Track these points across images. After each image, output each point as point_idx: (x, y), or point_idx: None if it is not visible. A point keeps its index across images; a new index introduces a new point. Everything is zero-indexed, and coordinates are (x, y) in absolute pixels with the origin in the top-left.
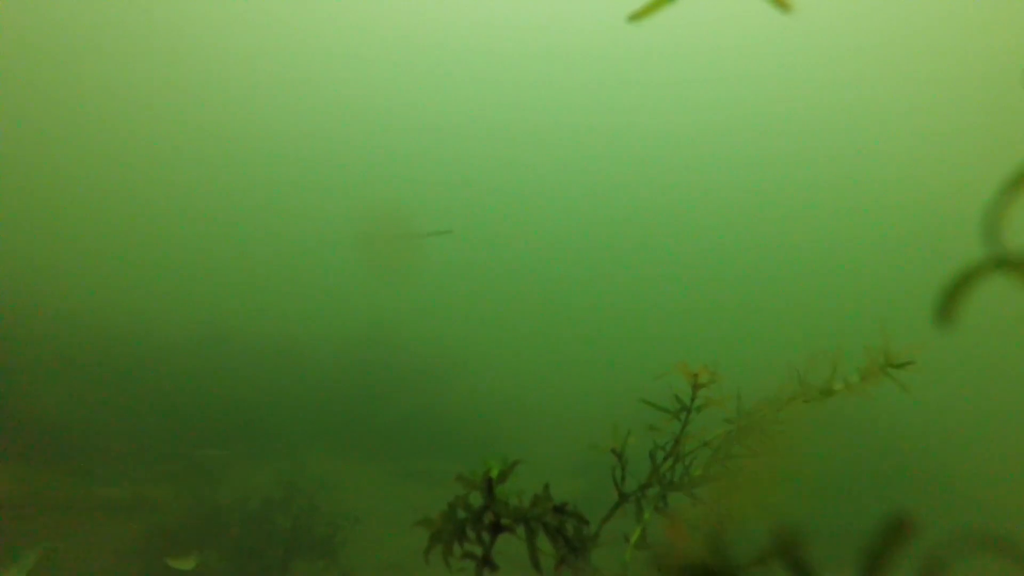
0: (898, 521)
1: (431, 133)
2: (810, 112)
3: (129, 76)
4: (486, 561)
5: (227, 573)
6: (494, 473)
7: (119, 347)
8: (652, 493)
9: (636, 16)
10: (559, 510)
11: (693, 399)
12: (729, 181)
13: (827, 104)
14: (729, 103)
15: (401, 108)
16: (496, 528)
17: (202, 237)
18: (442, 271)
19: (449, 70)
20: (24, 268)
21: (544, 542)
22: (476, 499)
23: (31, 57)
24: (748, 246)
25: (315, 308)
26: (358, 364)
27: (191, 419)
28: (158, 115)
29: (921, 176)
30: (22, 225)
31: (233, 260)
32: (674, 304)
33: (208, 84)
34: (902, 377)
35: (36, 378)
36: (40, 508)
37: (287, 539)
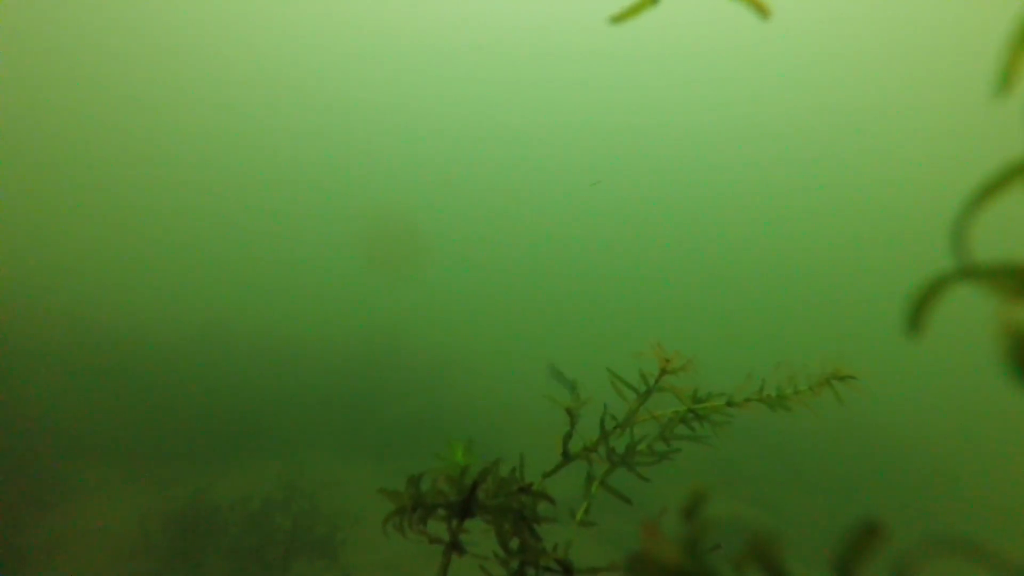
0: (868, 525)
1: (430, 135)
2: (803, 114)
3: (129, 76)
4: (455, 545)
5: (228, 572)
6: (472, 472)
7: (120, 347)
8: (597, 459)
9: (618, 18)
10: (525, 491)
11: (656, 381)
12: (725, 183)
13: (822, 106)
14: (712, 105)
15: (400, 110)
16: (465, 513)
17: (202, 237)
18: (441, 273)
19: (442, 72)
20: (25, 268)
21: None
22: (447, 486)
23: (31, 57)
24: (746, 247)
25: (315, 309)
26: (358, 365)
27: (190, 419)
28: (158, 115)
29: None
30: (22, 226)
31: (233, 261)
32: (673, 304)
33: (208, 84)
34: (857, 385)
35: (35, 377)
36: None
37: (287, 539)
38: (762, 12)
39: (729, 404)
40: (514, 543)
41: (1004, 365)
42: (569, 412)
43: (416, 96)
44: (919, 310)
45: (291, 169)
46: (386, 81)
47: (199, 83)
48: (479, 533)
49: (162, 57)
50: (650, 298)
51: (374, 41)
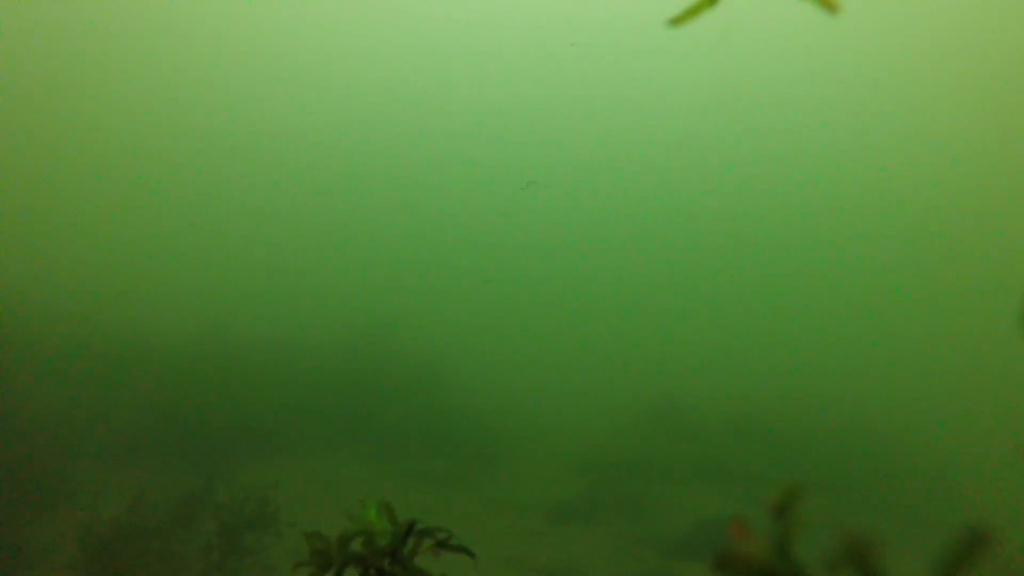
0: (975, 534)
1: (430, 136)
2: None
3: (129, 80)
4: None
5: (225, 570)
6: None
7: (122, 348)
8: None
9: (678, 20)
10: (442, 545)
11: None
12: (727, 186)
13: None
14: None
15: (400, 109)
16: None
17: (202, 240)
18: (440, 276)
19: (457, 70)
20: (27, 270)
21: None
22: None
23: (31, 58)
24: (747, 249)
25: (315, 312)
26: (357, 367)
27: (191, 419)
28: (158, 118)
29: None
30: (23, 227)
31: (233, 264)
32: (672, 307)
33: (206, 87)
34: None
35: (36, 377)
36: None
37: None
38: (831, 8)
39: None
40: None
41: None
42: None
43: (417, 99)
44: None
45: (289, 172)
46: (389, 83)
47: (198, 85)
48: None
49: (160, 59)
50: (647, 302)
51: (371, 37)
